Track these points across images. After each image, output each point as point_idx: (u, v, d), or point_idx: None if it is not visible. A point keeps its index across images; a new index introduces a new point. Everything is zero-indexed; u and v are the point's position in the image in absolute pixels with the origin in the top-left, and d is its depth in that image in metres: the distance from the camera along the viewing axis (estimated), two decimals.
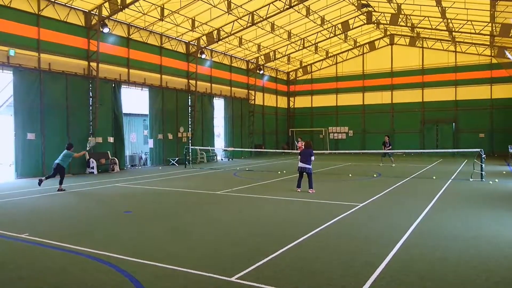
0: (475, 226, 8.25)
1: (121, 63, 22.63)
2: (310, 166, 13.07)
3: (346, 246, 6.85)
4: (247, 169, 22.21)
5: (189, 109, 27.76)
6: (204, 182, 16.56)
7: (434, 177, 16.98)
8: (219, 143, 32.47)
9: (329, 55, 37.08)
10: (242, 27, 25.46)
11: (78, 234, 7.89)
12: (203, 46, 26.96)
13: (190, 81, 27.46)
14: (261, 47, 30.96)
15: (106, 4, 19.90)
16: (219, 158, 30.64)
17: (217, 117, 31.19)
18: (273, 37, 29.17)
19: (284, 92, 40.73)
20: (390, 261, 5.95)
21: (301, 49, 32.55)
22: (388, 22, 28.49)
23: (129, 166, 23.63)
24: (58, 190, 13.59)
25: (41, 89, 18.32)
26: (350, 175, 18.45)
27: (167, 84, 25.64)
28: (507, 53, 27.73)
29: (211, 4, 21.88)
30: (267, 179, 17.05)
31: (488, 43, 29.41)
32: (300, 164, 13.19)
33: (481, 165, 16.07)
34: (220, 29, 25.73)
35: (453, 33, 28.61)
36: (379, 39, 35.82)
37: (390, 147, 23.71)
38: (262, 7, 23.81)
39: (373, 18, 29.05)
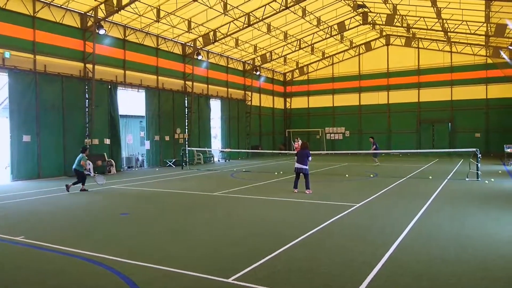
0: (471, 226, 8.28)
1: (117, 65, 22.59)
2: (307, 167, 13.08)
3: (343, 247, 6.86)
4: (244, 170, 22.20)
5: (186, 111, 27.73)
6: (201, 183, 16.54)
7: (430, 177, 17.03)
8: (216, 144, 32.44)
9: (325, 56, 37.14)
10: (238, 28, 25.47)
11: (74, 236, 7.86)
12: (199, 47, 26.94)
13: (187, 82, 27.43)
14: (257, 48, 30.98)
15: (102, 6, 19.85)
16: (216, 159, 30.61)
17: (214, 118, 31.18)
18: (270, 38, 29.19)
19: (281, 93, 40.77)
20: (387, 261, 5.96)
21: (298, 50, 32.58)
22: (384, 23, 28.59)
23: (126, 167, 23.56)
24: (81, 190, 14.03)
25: (37, 91, 18.25)
26: (347, 175, 18.48)
27: (163, 86, 25.61)
28: (502, 53, 27.88)
29: (207, 6, 21.87)
30: (264, 180, 17.05)
31: (483, 43, 29.54)
32: (297, 165, 13.20)
33: (477, 165, 16.14)
34: (217, 30, 25.73)
35: (449, 34, 28.73)
36: (375, 39, 35.92)
37: (374, 147, 24.17)
38: (258, 8, 23.82)
39: (369, 19, 29.12)
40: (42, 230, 8.41)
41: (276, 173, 19.80)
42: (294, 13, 25.42)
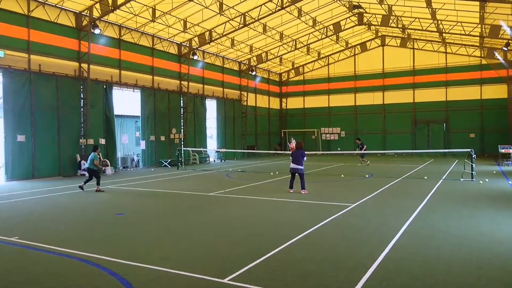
0: (466, 226, 8.33)
1: (113, 65, 22.50)
2: (302, 167, 13.09)
3: (338, 247, 6.87)
4: (239, 170, 22.19)
5: (181, 111, 27.68)
6: (196, 183, 16.51)
7: (426, 177, 17.11)
8: (212, 144, 32.41)
9: (321, 56, 37.21)
10: (234, 28, 25.46)
11: (70, 237, 7.82)
12: (195, 47, 26.90)
13: (182, 82, 27.38)
14: (253, 48, 30.98)
15: (97, 5, 19.77)
16: (211, 159, 30.58)
17: (210, 118, 31.14)
18: (265, 38, 29.20)
19: (277, 93, 40.79)
20: (382, 261, 5.98)
21: (293, 50, 32.62)
22: (379, 24, 28.68)
23: (121, 167, 23.48)
24: (96, 190, 13.90)
25: (31, 90, 18.14)
26: (343, 175, 18.52)
27: (159, 86, 25.55)
28: (496, 54, 28.06)
29: (203, 5, 21.84)
30: (260, 180, 17.04)
31: (478, 44, 29.72)
32: (292, 165, 13.21)
33: (472, 165, 16.23)
34: (212, 30, 25.70)
35: (444, 34, 28.87)
36: (371, 40, 36.03)
37: (361, 147, 24.38)
38: (254, 8, 23.82)
39: (365, 20, 29.21)
40: (36, 231, 8.36)
41: (271, 173, 19.81)
42: (290, 14, 25.44)
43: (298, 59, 37.29)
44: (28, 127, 18.02)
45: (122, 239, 7.62)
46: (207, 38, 26.10)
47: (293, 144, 21.85)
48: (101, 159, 14.76)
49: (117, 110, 22.79)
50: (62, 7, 19.42)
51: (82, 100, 20.57)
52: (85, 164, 14.31)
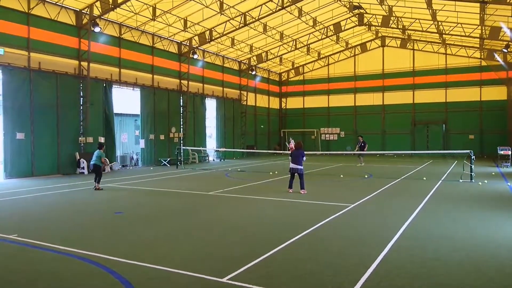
0: (464, 227, 8.33)
1: (113, 63, 22.49)
2: (302, 167, 13.09)
3: (337, 247, 6.88)
4: (239, 169, 22.19)
5: (181, 110, 27.67)
6: (195, 182, 16.51)
7: (425, 178, 17.12)
8: (211, 143, 32.40)
9: (321, 57, 37.21)
10: (234, 28, 25.45)
11: (68, 235, 7.81)
12: (195, 46, 26.89)
13: (182, 81, 27.37)
14: (253, 48, 30.97)
15: (98, 3, 19.75)
16: (211, 158, 30.57)
17: (209, 118, 31.12)
18: (265, 38, 29.19)
19: (276, 93, 40.79)
20: (381, 262, 5.98)
21: (293, 50, 32.61)
22: (379, 24, 28.68)
23: (120, 166, 23.46)
24: (96, 188, 13.92)
25: (31, 88, 18.12)
26: (342, 175, 18.53)
27: (158, 84, 25.53)
28: (496, 55, 28.08)
29: (203, 5, 21.83)
30: (259, 179, 17.04)
31: (478, 46, 29.73)
32: (292, 165, 13.21)
33: (471, 167, 16.25)
34: (212, 29, 25.69)
35: (444, 36, 28.88)
36: (371, 41, 36.04)
37: (362, 146, 24.46)
38: (255, 8, 23.82)
39: (365, 20, 29.22)
40: (35, 229, 8.35)
41: (271, 173, 19.81)
42: (290, 13, 25.44)
43: (298, 59, 37.29)
44: (27, 125, 18.00)
45: (121, 238, 7.62)
46: (207, 37, 26.09)
47: (292, 144, 21.90)
48: (105, 163, 14.95)
49: (116, 109, 22.78)
50: (63, 5, 19.40)
51: (81, 98, 20.56)
52: (91, 161, 14.37)
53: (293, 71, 39.97)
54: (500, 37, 22.72)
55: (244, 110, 34.46)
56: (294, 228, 8.05)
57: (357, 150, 25.14)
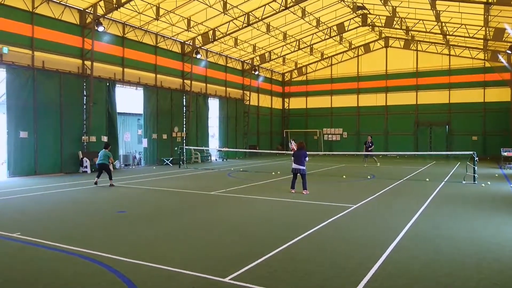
0: (467, 228, 8.31)
1: (116, 62, 22.53)
2: (304, 167, 13.08)
3: (339, 248, 6.87)
4: (241, 169, 22.20)
5: (184, 109, 27.70)
6: (198, 182, 16.52)
7: (427, 179, 17.08)
8: (214, 143, 32.42)
9: (324, 57, 37.17)
10: (237, 28, 25.45)
11: (71, 233, 7.84)
12: (198, 46, 26.91)
13: (185, 81, 27.40)
14: (256, 48, 30.98)
15: (101, 3, 19.79)
16: (213, 158, 30.58)
17: (212, 117, 31.14)
18: (269, 38, 29.19)
19: (279, 93, 40.78)
20: (384, 263, 5.97)
21: (296, 50, 32.59)
22: (383, 25, 28.64)
23: (123, 165, 23.51)
24: (110, 185, 14.75)
25: (35, 87, 18.19)
26: (344, 176, 18.50)
27: (161, 84, 25.57)
28: (500, 57, 27.99)
29: (206, 4, 21.84)
30: (261, 179, 17.04)
31: (482, 47, 29.64)
32: (294, 165, 13.20)
33: (474, 168, 16.19)
34: (216, 29, 25.70)
35: (447, 37, 28.81)
36: (374, 41, 35.98)
37: (373, 147, 24.47)
38: (258, 8, 23.81)
39: (368, 21, 29.18)
40: (38, 227, 8.38)
41: (273, 173, 19.81)
42: (294, 14, 25.43)
43: (301, 59, 37.26)
44: (30, 124, 18.06)
45: (123, 237, 7.63)
46: (210, 37, 26.11)
47: (293, 145, 21.92)
48: (113, 162, 15.48)
49: (119, 108, 22.82)
50: (67, 4, 19.46)
51: (85, 97, 20.61)
52: (98, 160, 14.91)
53: (296, 71, 39.95)
54: (504, 38, 22.65)
55: (247, 110, 34.47)
56: (296, 229, 8.04)
57: (366, 150, 24.98)
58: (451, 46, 32.11)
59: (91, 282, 5.28)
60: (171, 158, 25.47)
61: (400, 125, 35.43)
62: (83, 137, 20.31)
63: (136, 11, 21.16)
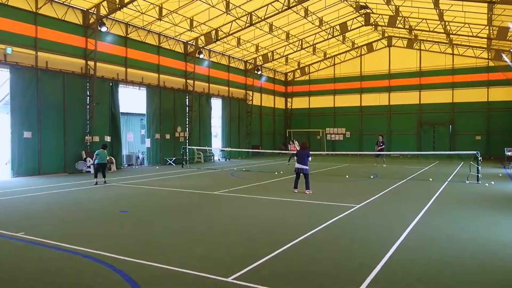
0: (471, 228, 8.28)
1: (119, 62, 22.59)
2: (307, 167, 13.08)
3: (342, 248, 6.86)
4: (244, 169, 22.20)
5: (187, 109, 27.73)
6: (201, 182, 16.54)
7: (431, 179, 17.03)
8: (217, 143, 32.44)
9: (327, 57, 37.11)
10: (240, 28, 25.46)
11: (74, 233, 7.86)
12: (201, 46, 26.93)
13: (188, 81, 27.43)
14: (259, 48, 30.96)
15: (104, 3, 19.85)
16: (216, 158, 30.61)
17: (215, 117, 31.16)
18: (271, 37, 29.17)
19: (282, 93, 40.76)
20: (387, 263, 5.96)
21: (299, 50, 32.56)
22: (386, 24, 28.55)
23: (126, 165, 23.57)
24: (95, 183, 15.24)
25: (38, 87, 18.26)
26: (347, 176, 18.47)
27: (164, 84, 25.61)
28: (504, 56, 27.85)
29: (209, 4, 21.86)
30: (264, 179, 17.05)
31: (485, 46, 29.51)
32: (297, 165, 13.20)
33: (478, 168, 16.14)
34: (219, 29, 25.72)
35: (451, 36, 28.69)
36: (377, 41, 35.90)
37: (383, 146, 24.46)
38: (261, 7, 23.81)
39: (371, 20, 29.10)
40: (42, 227, 8.41)
41: (276, 172, 19.80)
42: (297, 13, 25.40)
43: (304, 59, 37.23)
44: (34, 124, 18.13)
45: (126, 236, 7.65)
46: (213, 37, 26.13)
47: (293, 146, 21.94)
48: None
49: (122, 108, 22.88)
50: (70, 4, 19.53)
51: (88, 98, 20.67)
52: (96, 160, 15.23)
53: (299, 71, 39.92)
54: (508, 37, 22.53)
55: (250, 110, 34.47)
56: (299, 228, 8.04)
57: (377, 150, 24.85)
58: (455, 45, 31.99)
59: (94, 281, 5.30)
60: (174, 158, 25.51)
61: (403, 125, 35.34)
62: (86, 137, 20.37)
63: (139, 11, 21.20)
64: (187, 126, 27.69)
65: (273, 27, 27.03)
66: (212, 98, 30.25)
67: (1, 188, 14.08)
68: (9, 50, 17.00)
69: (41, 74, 18.42)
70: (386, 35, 34.89)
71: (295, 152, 16.13)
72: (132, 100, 24.35)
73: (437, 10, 22.66)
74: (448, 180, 16.93)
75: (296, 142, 25.14)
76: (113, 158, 21.19)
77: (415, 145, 34.48)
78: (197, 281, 5.29)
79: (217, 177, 18.74)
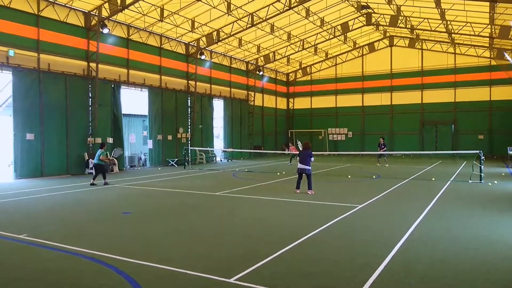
0: (473, 228, 8.26)
1: (121, 64, 22.63)
2: (310, 167, 13.07)
3: (345, 248, 6.85)
4: (246, 170, 22.20)
5: (189, 110, 27.76)
6: (203, 183, 16.55)
7: (433, 179, 16.99)
8: (219, 144, 32.46)
9: (328, 57, 37.10)
10: (241, 28, 25.47)
11: (77, 235, 7.88)
12: (202, 47, 26.96)
13: (190, 82, 27.46)
14: (260, 48, 30.97)
15: (106, 5, 19.90)
16: (218, 159, 30.63)
17: (217, 118, 31.18)
18: (273, 38, 29.18)
19: (284, 93, 40.76)
20: (389, 263, 5.95)
21: (301, 50, 32.56)
22: (387, 24, 28.52)
23: (128, 166, 23.61)
24: (104, 184, 15.29)
25: (41, 89, 18.31)
26: (349, 176, 18.45)
27: (166, 85, 25.64)
28: (506, 55, 27.77)
29: (211, 5, 21.88)
30: (266, 180, 17.04)
31: (487, 45, 29.44)
32: (300, 165, 13.19)
33: (480, 167, 16.09)
34: (220, 30, 25.74)
35: (453, 35, 28.63)
36: (379, 40, 35.86)
37: (385, 148, 24.54)
38: (262, 8, 23.81)
39: (373, 20, 29.07)
40: (44, 228, 8.43)
41: (278, 173, 19.79)
42: (298, 14, 25.40)
43: (306, 59, 37.22)
44: (37, 126, 18.18)
45: (128, 237, 7.66)
46: (214, 38, 26.15)
47: (292, 147, 21.87)
48: (108, 157, 15.51)
49: (124, 109, 22.93)
50: (72, 6, 19.58)
51: (90, 99, 20.71)
52: (92, 162, 15.29)
53: (300, 71, 39.91)
54: (510, 36, 22.45)
55: (252, 111, 34.48)
56: (302, 229, 8.03)
57: (379, 153, 24.92)
58: (457, 45, 31.90)
59: (96, 282, 5.31)
60: (176, 159, 25.53)
61: (406, 125, 35.28)
62: (88, 138, 20.41)
63: (140, 13, 21.24)
64: (189, 127, 27.71)
65: (275, 27, 27.04)
66: (214, 99, 30.27)
67: (4, 190, 14.12)
68: (11, 52, 17.06)
69: (43, 76, 18.47)
70: (387, 34, 34.85)
71: (297, 152, 16.13)
72: (134, 101, 24.41)
73: (439, 10, 22.62)
74: (451, 179, 16.89)
75: (299, 143, 25.18)
76: (115, 159, 21.19)
77: (417, 145, 34.41)
78: (199, 282, 5.29)
79: (219, 177, 18.75)
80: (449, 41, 31.14)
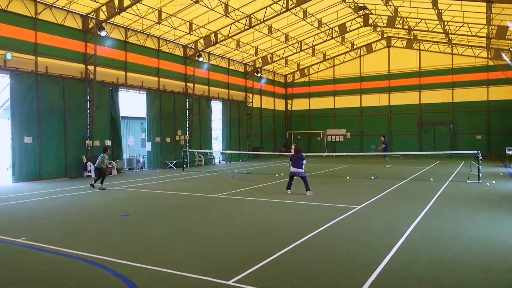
0: (472, 228, 8.27)
1: (119, 66, 22.62)
2: (303, 170, 13.08)
3: (344, 249, 6.85)
4: (244, 171, 22.20)
5: (187, 112, 27.75)
6: (201, 185, 16.53)
7: (432, 179, 17.01)
8: (217, 146, 32.44)
9: (326, 58, 37.15)
10: (239, 30, 25.50)
11: (75, 238, 7.86)
12: (200, 49, 26.97)
13: (188, 84, 27.46)
14: (258, 50, 31.01)
15: (104, 8, 19.89)
16: (217, 161, 30.61)
17: (215, 120, 31.18)
18: (271, 40, 29.21)
19: (282, 94, 40.79)
20: (388, 263, 5.95)
21: (299, 51, 32.60)
22: (385, 25, 28.59)
23: (127, 169, 23.57)
24: (100, 188, 14.88)
25: (38, 92, 18.28)
26: (348, 177, 18.45)
27: (164, 87, 25.64)
28: (503, 55, 27.86)
29: (208, 7, 21.90)
30: (265, 181, 17.04)
31: (485, 45, 29.53)
32: (292, 169, 13.19)
33: (478, 167, 16.11)
34: (218, 32, 25.76)
35: (450, 36, 28.72)
36: (376, 41, 35.93)
37: (384, 146, 24.58)
38: (260, 10, 23.85)
39: (370, 21, 29.13)
40: (43, 232, 8.41)
41: (277, 174, 19.79)
42: (295, 15, 25.45)
43: (304, 61, 37.27)
44: (35, 129, 18.15)
45: (127, 240, 7.65)
46: (212, 40, 26.17)
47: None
48: (106, 163, 15.33)
49: (123, 112, 22.91)
50: (69, 9, 19.58)
51: (88, 102, 20.69)
52: (92, 165, 15.15)
53: (298, 72, 39.96)
54: (507, 36, 22.53)
55: (250, 112, 34.49)
56: (300, 230, 8.03)
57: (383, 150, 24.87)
58: (454, 45, 32.00)
59: (94, 285, 5.30)
60: (174, 161, 25.51)
61: (404, 125, 35.34)
62: (86, 141, 20.38)
63: (138, 15, 21.25)
64: (187, 129, 27.70)
65: (272, 29, 27.08)
66: (212, 100, 30.27)
67: (2, 193, 14.08)
68: (9, 55, 17.04)
69: (41, 79, 18.45)
70: (385, 35, 34.93)
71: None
72: (132, 104, 24.39)
73: (436, 10, 22.69)
74: (449, 180, 16.91)
75: (293, 146, 25.21)
76: (114, 162, 21.16)
77: (415, 145, 34.46)
78: (198, 284, 5.28)
79: (217, 179, 18.74)
80: (447, 41, 31.24)
